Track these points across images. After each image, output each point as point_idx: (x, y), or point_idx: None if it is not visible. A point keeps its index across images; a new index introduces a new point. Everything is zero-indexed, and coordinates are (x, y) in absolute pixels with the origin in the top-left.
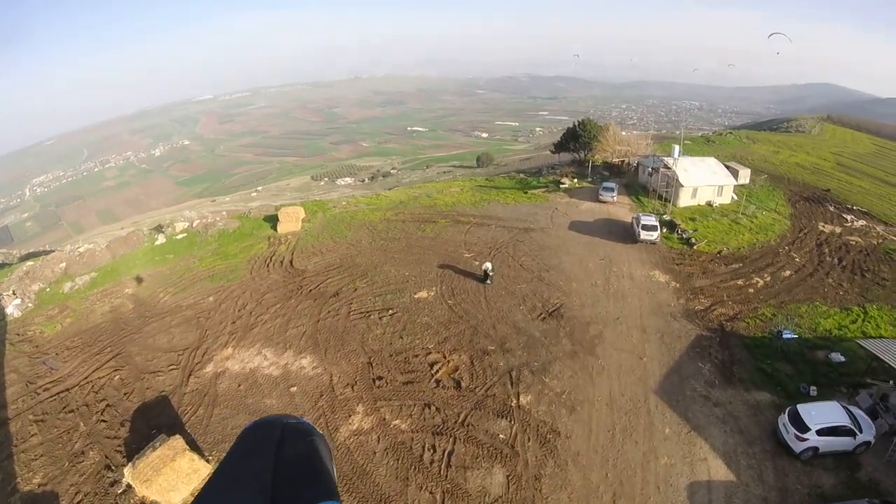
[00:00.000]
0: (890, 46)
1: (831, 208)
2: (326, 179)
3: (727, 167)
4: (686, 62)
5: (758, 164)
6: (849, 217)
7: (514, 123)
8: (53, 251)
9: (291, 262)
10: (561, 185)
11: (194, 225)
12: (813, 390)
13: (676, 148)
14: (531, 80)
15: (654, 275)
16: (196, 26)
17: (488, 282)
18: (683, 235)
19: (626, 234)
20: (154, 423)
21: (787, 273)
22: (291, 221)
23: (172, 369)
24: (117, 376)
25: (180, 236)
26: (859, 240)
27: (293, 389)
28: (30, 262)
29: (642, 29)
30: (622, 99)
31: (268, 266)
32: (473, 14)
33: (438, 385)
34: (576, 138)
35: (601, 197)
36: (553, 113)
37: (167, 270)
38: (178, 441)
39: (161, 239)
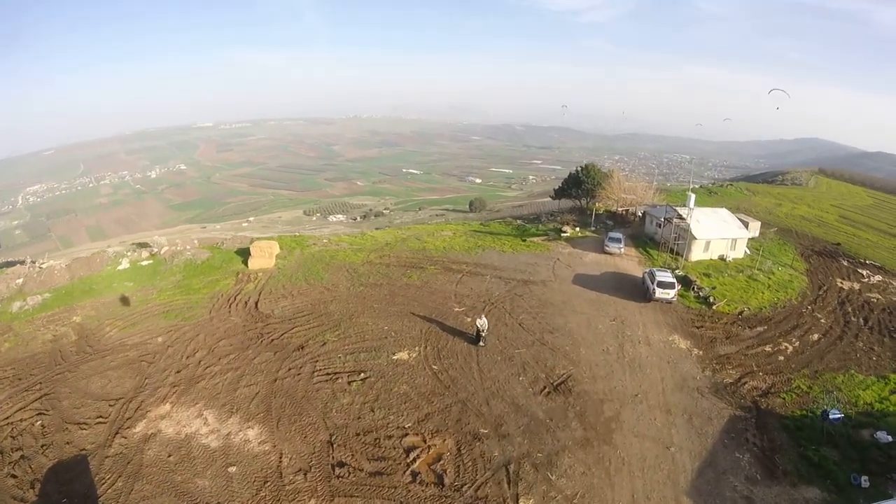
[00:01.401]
0: (871, 100)
1: (845, 263)
2: (319, 215)
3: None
4: (676, 117)
5: (763, 217)
6: (864, 272)
7: (508, 170)
8: (16, 264)
9: (257, 303)
10: (562, 234)
11: (162, 252)
12: (865, 481)
13: (692, 197)
14: (526, 130)
15: (673, 340)
16: (205, 55)
17: (481, 343)
18: (700, 294)
19: (636, 290)
20: (66, 489)
21: (816, 336)
22: (264, 257)
23: (99, 422)
24: (39, 422)
25: (145, 262)
26: (880, 297)
27: (232, 470)
28: None
29: (635, 83)
30: (614, 150)
31: (230, 306)
32: (475, 66)
33: (415, 479)
34: (578, 184)
35: (607, 248)
36: (546, 162)
37: (120, 300)
38: None
39: (125, 263)
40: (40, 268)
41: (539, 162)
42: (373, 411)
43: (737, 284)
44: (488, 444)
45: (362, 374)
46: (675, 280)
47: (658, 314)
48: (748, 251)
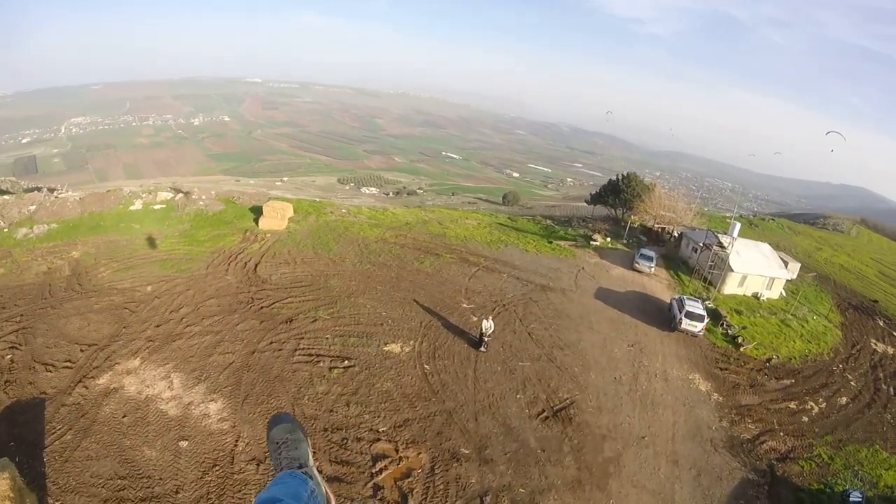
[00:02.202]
0: None
1: (881, 323)
2: (352, 185)
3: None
4: (723, 143)
5: (802, 259)
6: None
7: (546, 169)
8: (34, 190)
9: (256, 266)
10: (592, 242)
11: (176, 199)
12: None
13: (737, 226)
14: (571, 131)
15: (693, 379)
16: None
17: (483, 348)
18: (729, 331)
19: (661, 316)
20: (16, 432)
21: (844, 400)
22: (276, 218)
23: (66, 367)
24: (10, 356)
25: (158, 206)
26: None
27: (183, 444)
28: (5, 197)
29: (687, 103)
30: (656, 166)
31: (228, 265)
32: (531, 61)
33: (376, 494)
34: (616, 193)
35: (637, 265)
36: (587, 167)
37: (124, 241)
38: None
39: (137, 204)
40: (56, 197)
41: (580, 165)
42: (348, 406)
43: (768, 328)
44: (467, 468)
45: (346, 362)
46: (705, 312)
47: (681, 347)
48: (784, 293)
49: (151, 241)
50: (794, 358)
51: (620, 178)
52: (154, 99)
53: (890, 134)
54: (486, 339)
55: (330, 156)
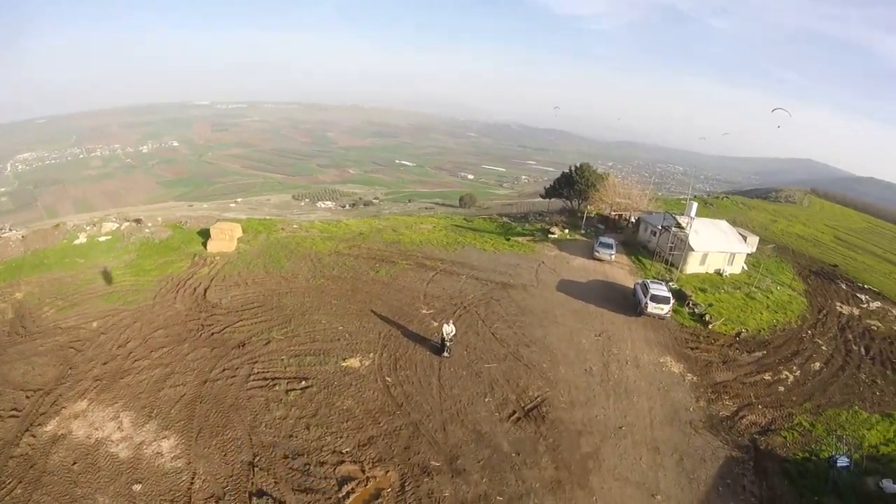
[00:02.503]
0: (864, 126)
1: (843, 286)
2: (308, 200)
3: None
4: (672, 129)
5: (760, 233)
6: (863, 297)
7: (501, 169)
8: None
9: (206, 291)
10: (550, 235)
11: (122, 228)
12: None
13: (694, 206)
14: (523, 130)
15: (665, 362)
16: (206, 33)
17: (446, 354)
18: (696, 310)
19: (626, 302)
20: None
21: (817, 366)
22: (224, 240)
23: (12, 416)
24: None
25: (103, 238)
26: (880, 325)
27: (136, 488)
28: None
29: (634, 94)
30: (609, 157)
31: (177, 292)
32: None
33: None
34: (571, 184)
35: (597, 254)
36: (540, 163)
37: (69, 277)
38: None
39: (82, 238)
40: (3, 239)
41: (533, 163)
42: (308, 429)
43: (734, 302)
44: (439, 481)
45: (303, 382)
46: (670, 294)
47: (649, 331)
48: (746, 267)
49: (97, 275)
50: (763, 329)
51: (573, 169)
52: (101, 129)
53: (832, 108)
54: (448, 344)
55: (283, 173)
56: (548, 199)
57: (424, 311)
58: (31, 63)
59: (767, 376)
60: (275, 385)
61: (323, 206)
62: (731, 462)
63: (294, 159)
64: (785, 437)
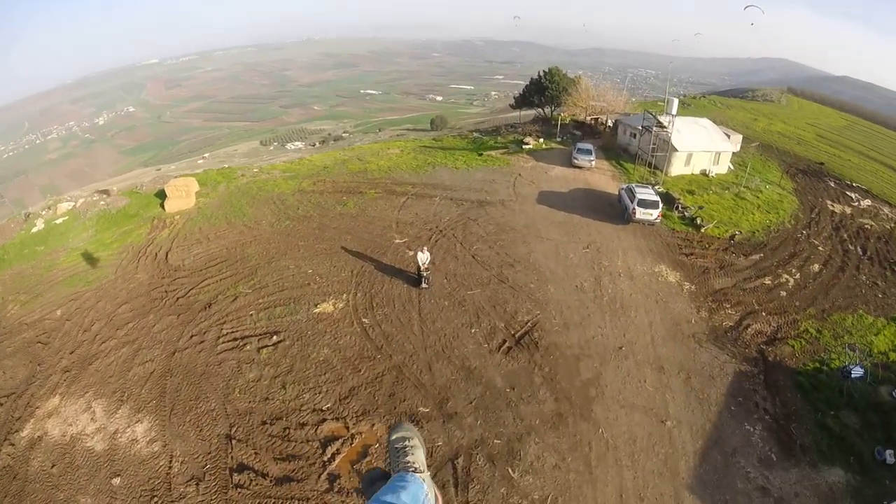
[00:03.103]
0: (839, 24)
1: (832, 184)
2: (276, 144)
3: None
4: (638, 31)
5: (741, 132)
6: (853, 195)
7: (469, 87)
8: None
9: (167, 254)
10: (524, 146)
11: (78, 205)
12: (890, 455)
13: (675, 102)
14: (487, 45)
15: (660, 271)
16: None
17: (424, 284)
18: (686, 214)
19: (612, 210)
20: None
21: (816, 267)
22: (181, 197)
23: None
24: None
25: (60, 220)
26: (873, 223)
27: (116, 482)
28: None
29: None
30: (578, 66)
31: (138, 261)
32: None
33: (333, 486)
34: (541, 91)
35: (576, 161)
36: (508, 77)
37: (29, 269)
38: None
39: (39, 224)
40: None
41: (501, 77)
42: (284, 388)
43: (724, 203)
44: (430, 429)
45: (275, 337)
46: (658, 198)
47: (640, 239)
48: (732, 167)
49: (56, 261)
50: (757, 231)
51: (542, 74)
52: (52, 110)
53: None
54: (425, 274)
55: (247, 120)
56: (519, 110)
57: (398, 241)
58: None
59: (767, 280)
60: (245, 344)
61: (293, 147)
62: (741, 377)
63: (256, 104)
64: (793, 346)
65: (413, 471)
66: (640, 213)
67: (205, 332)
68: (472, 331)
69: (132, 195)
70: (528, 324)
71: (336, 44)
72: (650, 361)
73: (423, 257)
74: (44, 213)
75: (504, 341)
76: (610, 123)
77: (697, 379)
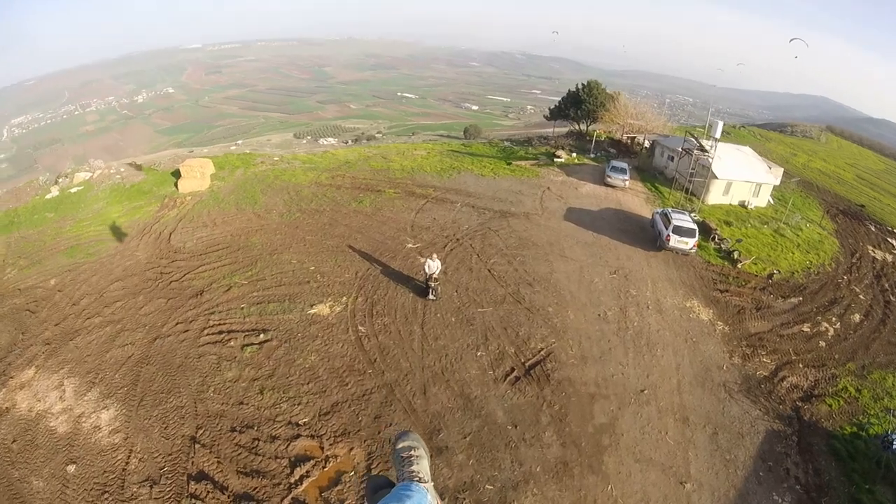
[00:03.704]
0: (882, 66)
1: (873, 228)
2: (309, 138)
3: None
4: (680, 57)
5: (781, 166)
6: (894, 242)
7: (505, 99)
8: None
9: (171, 235)
10: (555, 159)
11: (95, 176)
12: None
13: (719, 125)
14: (526, 59)
15: (691, 307)
16: None
17: (432, 296)
18: (723, 246)
19: (644, 234)
20: None
21: (857, 318)
22: (195, 178)
23: None
24: None
25: (75, 189)
26: None
27: (71, 469)
28: None
29: (640, 20)
30: (615, 86)
31: (140, 239)
32: None
33: None
34: (578, 104)
35: (609, 179)
36: (545, 93)
37: (35, 234)
38: None
39: (54, 192)
40: None
41: (538, 92)
42: (262, 394)
43: (762, 239)
44: None
45: (262, 335)
46: (695, 226)
47: (672, 268)
48: (772, 200)
49: (62, 229)
50: (797, 271)
51: (581, 87)
52: (93, 83)
53: (848, 43)
54: (432, 285)
55: (283, 112)
56: (553, 122)
57: (410, 245)
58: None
59: (806, 328)
60: (230, 339)
61: (325, 142)
62: (773, 438)
63: (293, 97)
64: (830, 406)
65: (418, 480)
66: (675, 241)
67: (191, 321)
68: (478, 354)
69: (148, 171)
70: (542, 352)
71: (376, 44)
72: (674, 410)
73: (434, 266)
74: (60, 181)
75: (512, 369)
76: (646, 144)
77: (725, 436)
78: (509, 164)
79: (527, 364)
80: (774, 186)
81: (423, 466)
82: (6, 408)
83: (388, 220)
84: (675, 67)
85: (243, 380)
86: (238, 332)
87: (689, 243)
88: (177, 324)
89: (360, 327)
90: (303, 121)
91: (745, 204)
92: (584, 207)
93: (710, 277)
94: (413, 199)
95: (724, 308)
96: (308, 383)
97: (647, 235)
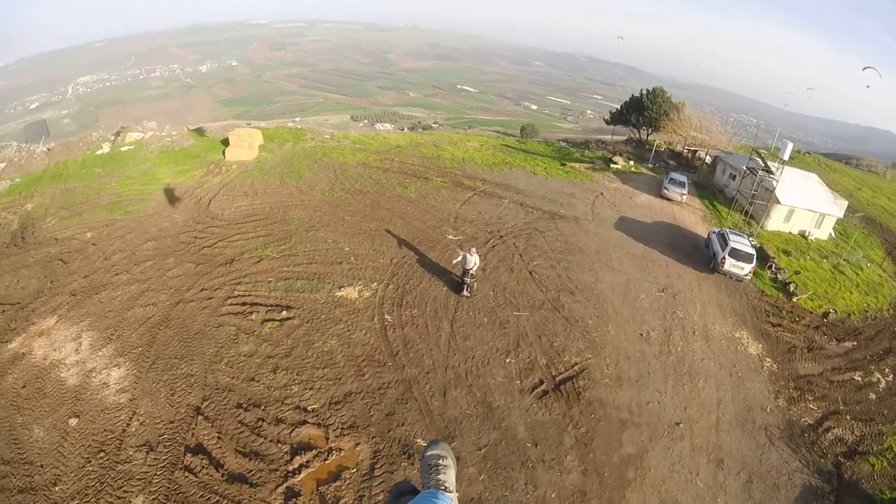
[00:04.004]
0: None
1: None
2: (366, 121)
3: None
4: (747, 78)
5: (845, 198)
6: None
7: (566, 101)
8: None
9: (210, 201)
10: (612, 165)
11: (147, 137)
12: None
13: (788, 146)
14: (590, 62)
15: (740, 338)
16: None
17: (467, 292)
18: (779, 276)
19: (697, 253)
20: None
21: None
22: (244, 147)
23: None
24: None
25: (126, 148)
26: None
27: (73, 423)
28: None
29: (713, 38)
30: (679, 98)
31: (181, 201)
32: None
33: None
34: (640, 111)
35: (666, 192)
36: (606, 98)
37: (81, 187)
38: None
39: (105, 148)
40: (28, 152)
41: (599, 97)
42: (275, 373)
43: (821, 274)
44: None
45: (284, 312)
46: (753, 251)
47: (723, 294)
48: (833, 234)
49: (106, 184)
50: (853, 313)
51: (645, 93)
52: (159, 50)
53: None
54: (468, 281)
55: (342, 93)
56: (612, 126)
57: (451, 237)
58: None
59: (857, 377)
60: (252, 312)
61: (381, 127)
62: (809, 494)
63: (353, 80)
64: (873, 465)
65: (444, 489)
66: (730, 265)
67: (216, 289)
68: (507, 360)
69: (199, 137)
70: (575, 367)
71: (441, 34)
72: (709, 450)
73: (472, 261)
74: (112, 138)
75: (541, 382)
76: (707, 159)
77: (760, 486)
78: (563, 164)
79: (557, 378)
80: (838, 219)
81: (450, 476)
82: (22, 353)
83: (431, 208)
84: (743, 86)
85: (258, 355)
86: (261, 305)
87: (744, 269)
88: (202, 290)
89: (386, 316)
90: (361, 104)
91: (806, 234)
92: (637, 218)
93: (763, 308)
94: (460, 190)
95: (775, 344)
96: (324, 368)
97: (701, 255)
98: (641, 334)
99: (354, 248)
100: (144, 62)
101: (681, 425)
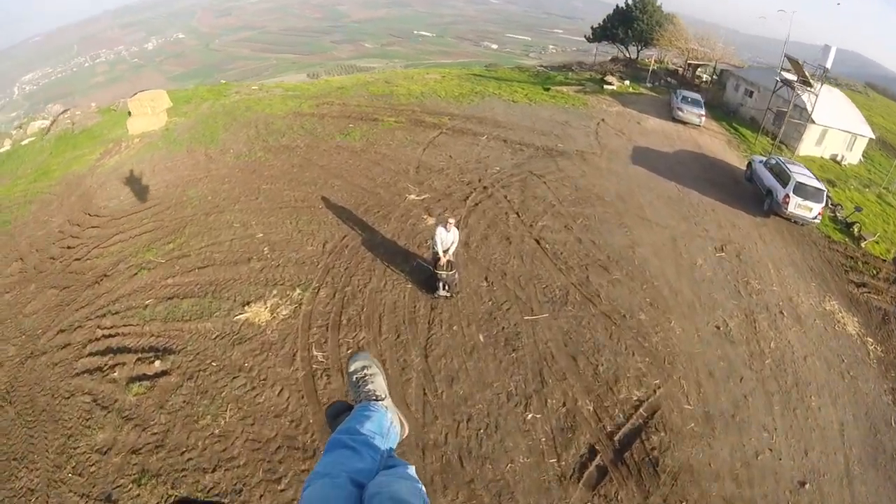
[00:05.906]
0: None
1: None
2: (324, 78)
3: None
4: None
5: None
6: None
7: (526, 38)
8: None
9: (97, 191)
10: (606, 86)
11: (49, 124)
12: None
13: (832, 50)
14: None
15: (832, 311)
16: None
17: (443, 290)
18: (838, 215)
19: (739, 189)
20: None
21: None
22: (146, 115)
23: None
24: None
25: (27, 141)
26: None
27: None
28: None
29: None
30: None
31: (63, 200)
32: None
33: None
34: (628, 22)
35: (680, 113)
36: (568, 32)
37: None
38: None
39: (7, 145)
40: None
41: (560, 31)
42: (138, 485)
43: (870, 207)
44: None
45: (158, 363)
46: (823, 186)
47: (791, 245)
48: (863, 158)
49: None
50: None
51: (632, 3)
52: (101, 34)
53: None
54: (443, 275)
55: (296, 52)
56: (596, 44)
57: (413, 196)
58: None
59: None
60: (115, 367)
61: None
62: None
63: (306, 37)
64: None
65: (375, 399)
66: (796, 205)
67: (75, 329)
68: (527, 415)
69: (106, 113)
70: (640, 409)
71: None
72: None
73: (447, 238)
74: (14, 132)
75: (592, 453)
76: (705, 77)
77: None
78: (547, 89)
79: (616, 438)
80: (869, 140)
81: (378, 383)
82: None
83: (383, 158)
84: (706, 10)
85: (117, 450)
86: (129, 352)
87: (813, 210)
88: (59, 332)
89: (316, 353)
90: (317, 61)
91: (838, 159)
92: (655, 148)
93: (838, 261)
94: (421, 129)
95: (868, 314)
96: (213, 471)
97: (744, 191)
98: (718, 327)
99: (270, 232)
100: (88, 48)
101: (807, 486)
